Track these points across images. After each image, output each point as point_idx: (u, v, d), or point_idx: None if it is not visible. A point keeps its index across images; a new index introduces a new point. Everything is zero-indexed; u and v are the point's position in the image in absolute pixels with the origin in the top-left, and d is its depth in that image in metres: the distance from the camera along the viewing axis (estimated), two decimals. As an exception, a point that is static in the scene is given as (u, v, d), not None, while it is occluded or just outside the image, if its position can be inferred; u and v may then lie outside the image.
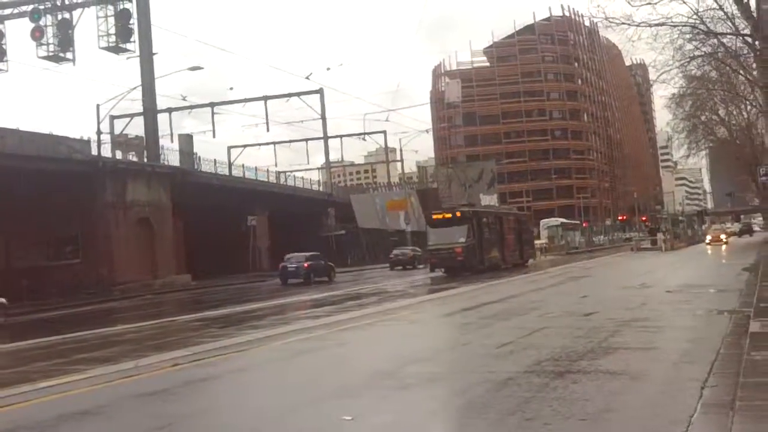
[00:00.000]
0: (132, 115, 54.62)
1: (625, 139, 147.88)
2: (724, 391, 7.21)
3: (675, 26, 26.06)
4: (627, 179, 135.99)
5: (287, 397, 8.82)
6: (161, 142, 48.50)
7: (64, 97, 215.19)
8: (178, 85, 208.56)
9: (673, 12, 27.15)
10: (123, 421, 8.07)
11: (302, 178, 70.22)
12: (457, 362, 10.95)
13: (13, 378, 11.13)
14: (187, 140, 53.97)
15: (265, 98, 67.54)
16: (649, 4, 24.28)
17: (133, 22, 43.25)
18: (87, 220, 39.09)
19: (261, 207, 54.08)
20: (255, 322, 18.50)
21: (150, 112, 46.22)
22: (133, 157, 47.35)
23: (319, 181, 75.84)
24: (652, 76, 37.04)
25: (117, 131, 57.19)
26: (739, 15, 24.97)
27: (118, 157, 44.54)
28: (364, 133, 78.42)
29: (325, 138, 74.50)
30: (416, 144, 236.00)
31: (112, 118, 56.00)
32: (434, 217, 39.38)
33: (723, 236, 64.55)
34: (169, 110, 62.63)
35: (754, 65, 30.70)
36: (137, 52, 44.00)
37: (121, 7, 42.94)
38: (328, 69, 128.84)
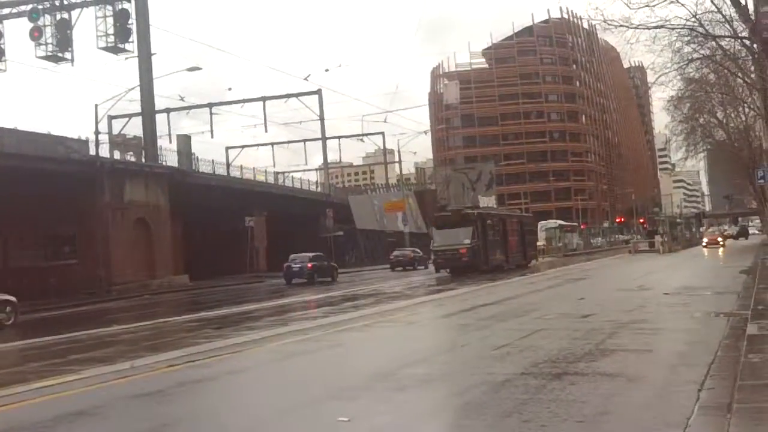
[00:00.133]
0: (130, 116, 54.61)
1: (623, 141, 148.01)
2: (722, 394, 7.20)
3: (673, 29, 26.03)
4: (625, 181, 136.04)
5: (283, 398, 8.80)
6: (159, 142, 48.56)
7: (62, 97, 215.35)
8: (176, 86, 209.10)
9: (672, 14, 27.17)
10: (118, 421, 8.04)
11: (300, 179, 70.31)
12: (454, 364, 10.93)
13: (9, 378, 11.10)
14: (185, 141, 53.94)
15: (264, 99, 67.59)
16: (648, 6, 24.22)
17: (132, 23, 43.24)
18: (85, 221, 39.06)
19: (259, 208, 54.05)
20: (251, 323, 18.48)
21: (148, 112, 46.19)
22: (131, 158, 47.30)
23: (317, 182, 75.85)
24: (650, 78, 37.14)
25: (115, 131, 57.18)
26: (737, 18, 24.92)
27: (116, 158, 44.48)
28: (363, 134, 78.51)
29: (324, 139, 74.58)
30: (414, 145, 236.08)
31: (111, 118, 55.98)
32: (440, 218, 40.74)
33: (720, 239, 64.37)
34: (168, 110, 62.65)
35: (753, 68, 30.70)
36: (136, 53, 43.97)
37: (120, 7, 42.95)
38: (327, 70, 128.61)
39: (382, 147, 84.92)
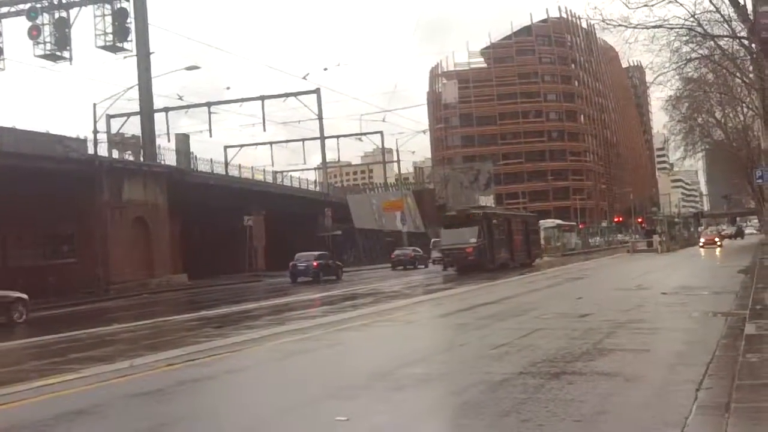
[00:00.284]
0: (129, 115, 54.57)
1: (621, 140, 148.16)
2: (720, 393, 7.21)
3: (672, 28, 26.08)
4: (623, 181, 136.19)
5: (282, 397, 8.82)
6: (158, 141, 48.52)
7: (60, 96, 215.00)
8: (174, 85, 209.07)
9: (670, 14, 27.27)
10: (117, 420, 8.06)
11: (299, 178, 70.28)
12: (452, 363, 10.95)
13: (9, 377, 11.11)
14: (183, 140, 53.91)
15: (262, 98, 67.53)
16: (646, 6, 24.26)
17: (130, 21, 43.20)
18: (83, 220, 39.05)
19: (257, 207, 54.02)
20: (251, 322, 18.48)
21: (146, 111, 46.17)
22: (129, 157, 47.28)
23: (315, 181, 75.82)
24: (648, 78, 37.21)
25: (114, 130, 57.13)
26: (735, 17, 24.96)
27: (114, 157, 44.45)
28: (361, 134, 78.45)
29: (322, 138, 74.51)
30: (413, 145, 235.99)
31: (109, 117, 55.95)
32: (447, 218, 42.16)
33: (717, 239, 64.08)
34: (166, 110, 62.51)
35: (751, 68, 30.75)
36: (134, 51, 43.95)
37: (119, 6, 42.93)
38: (326, 69, 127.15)
39: (380, 146, 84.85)
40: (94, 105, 42.20)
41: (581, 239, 79.41)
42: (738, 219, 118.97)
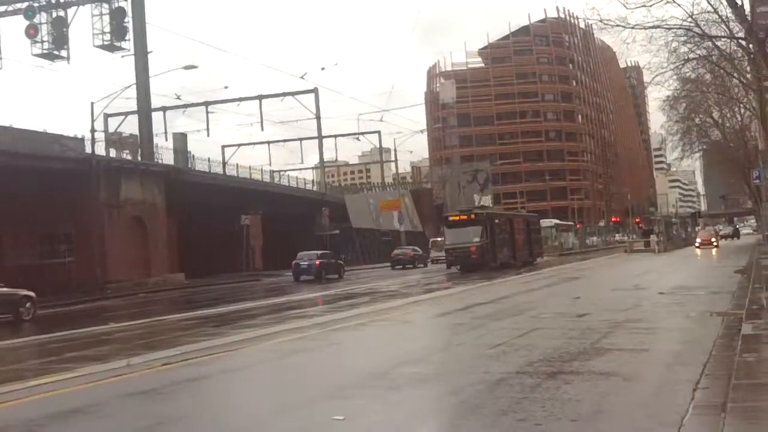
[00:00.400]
0: (126, 114, 54.47)
1: (619, 140, 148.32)
2: (716, 393, 7.21)
3: (670, 29, 26.14)
4: (621, 181, 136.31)
5: (278, 396, 8.80)
6: (155, 140, 48.54)
7: (58, 95, 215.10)
8: (172, 84, 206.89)
9: (668, 15, 27.26)
10: (113, 420, 8.02)
11: (296, 177, 70.23)
12: (449, 363, 10.94)
13: (4, 376, 11.07)
14: (181, 139, 53.88)
15: (260, 97, 67.48)
16: (644, 6, 24.30)
17: (128, 21, 43.17)
18: (80, 219, 39.00)
19: (255, 206, 54.01)
20: (248, 322, 18.46)
21: (144, 110, 46.12)
22: (127, 156, 47.27)
23: (313, 180, 75.75)
24: (646, 78, 37.18)
25: (111, 129, 56.97)
26: (733, 18, 24.99)
27: (112, 156, 44.42)
28: (359, 133, 78.35)
29: (320, 138, 74.44)
30: (411, 144, 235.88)
31: (106, 116, 55.80)
32: (451, 218, 42.93)
33: (713, 239, 63.65)
34: (164, 109, 62.42)
35: (748, 68, 30.81)
36: (132, 51, 43.95)
37: (116, 5, 42.89)
38: (323, 69, 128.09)
39: (378, 146, 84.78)
40: (92, 104, 42.29)
41: (579, 239, 79.48)
42: (735, 219, 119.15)
